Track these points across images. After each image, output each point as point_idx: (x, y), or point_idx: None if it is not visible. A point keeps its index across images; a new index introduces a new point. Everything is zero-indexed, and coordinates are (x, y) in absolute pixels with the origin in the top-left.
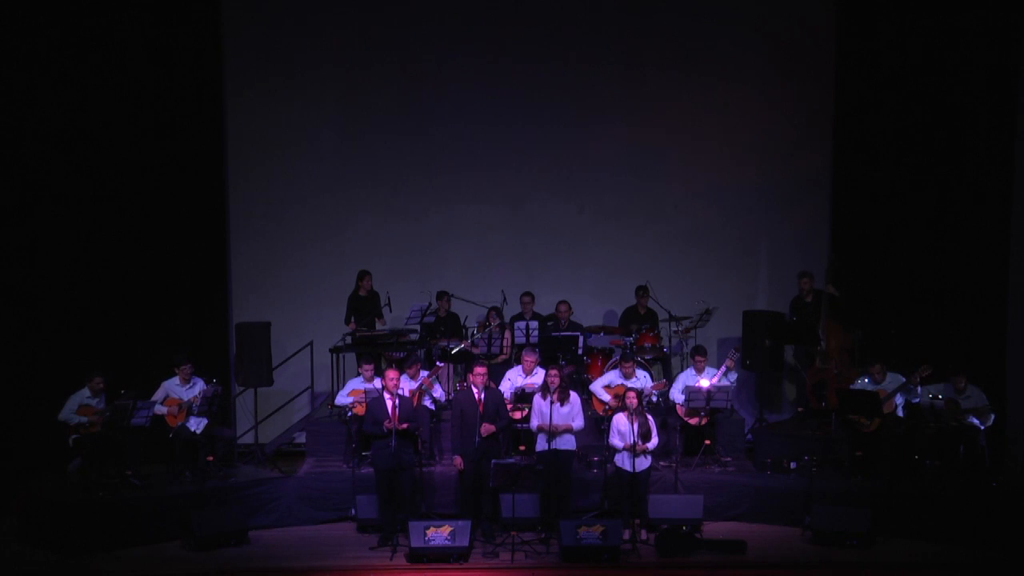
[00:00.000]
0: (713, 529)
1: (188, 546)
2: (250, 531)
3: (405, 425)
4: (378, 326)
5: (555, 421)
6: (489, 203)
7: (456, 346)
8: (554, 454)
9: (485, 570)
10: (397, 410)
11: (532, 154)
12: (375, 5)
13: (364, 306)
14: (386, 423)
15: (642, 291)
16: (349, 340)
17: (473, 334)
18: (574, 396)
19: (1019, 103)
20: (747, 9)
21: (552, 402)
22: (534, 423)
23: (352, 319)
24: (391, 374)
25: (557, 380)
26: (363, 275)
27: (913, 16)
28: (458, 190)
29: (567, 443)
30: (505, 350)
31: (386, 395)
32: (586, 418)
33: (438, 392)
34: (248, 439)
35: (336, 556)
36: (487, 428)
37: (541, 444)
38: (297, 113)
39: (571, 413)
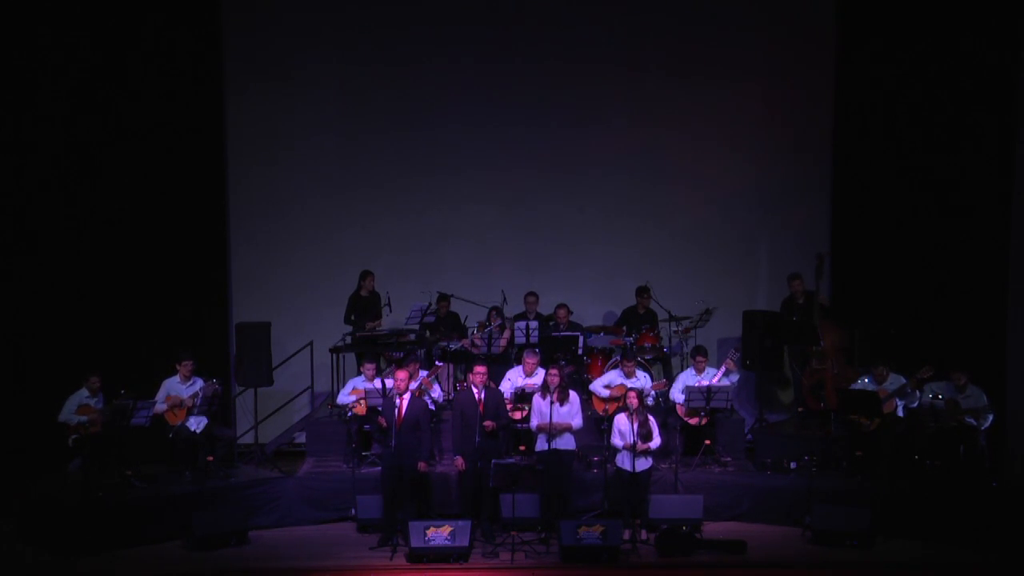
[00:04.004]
0: (713, 529)
1: (188, 546)
2: (250, 531)
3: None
4: (369, 325)
5: (554, 421)
6: (489, 203)
7: (457, 345)
8: (554, 454)
9: (485, 570)
10: (404, 410)
11: (532, 154)
12: (375, 5)
13: (365, 306)
14: (379, 419)
15: (643, 291)
16: (349, 340)
17: (473, 333)
18: (573, 396)
19: (1020, 101)
20: (747, 10)
21: (552, 402)
22: (533, 423)
23: (352, 317)
24: (401, 375)
25: (557, 379)
26: (365, 275)
27: (913, 16)
28: (458, 190)
29: (567, 443)
30: (502, 344)
31: (395, 396)
32: (586, 418)
33: (436, 393)
34: (248, 439)
35: (336, 556)
36: (489, 423)
37: (541, 444)
38: (297, 113)
39: (570, 413)
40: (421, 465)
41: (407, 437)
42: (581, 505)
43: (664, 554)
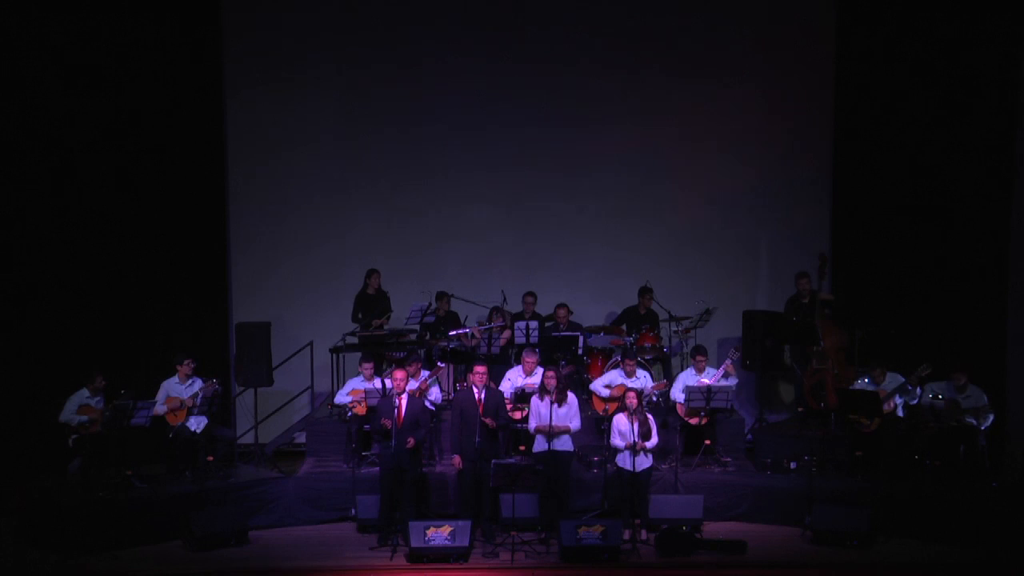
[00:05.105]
0: (713, 529)
1: (188, 546)
2: (250, 531)
3: (411, 442)
4: (376, 323)
5: (553, 422)
6: (489, 203)
7: (456, 333)
8: (552, 455)
9: (485, 570)
10: (404, 410)
11: (532, 154)
12: (375, 5)
13: (372, 304)
14: (384, 421)
15: (645, 292)
16: (349, 340)
17: (475, 326)
18: (571, 396)
19: (1020, 102)
20: (747, 10)
21: (551, 403)
22: (532, 424)
23: (359, 315)
24: (399, 375)
25: (554, 381)
26: (371, 273)
27: (913, 16)
28: (458, 190)
29: (564, 444)
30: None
31: (394, 396)
32: (586, 418)
33: (435, 395)
34: (248, 439)
35: (336, 556)
36: (489, 420)
37: (539, 445)
38: (297, 113)
39: (568, 414)
40: (410, 441)
41: (407, 437)
42: (581, 505)
43: (664, 554)
